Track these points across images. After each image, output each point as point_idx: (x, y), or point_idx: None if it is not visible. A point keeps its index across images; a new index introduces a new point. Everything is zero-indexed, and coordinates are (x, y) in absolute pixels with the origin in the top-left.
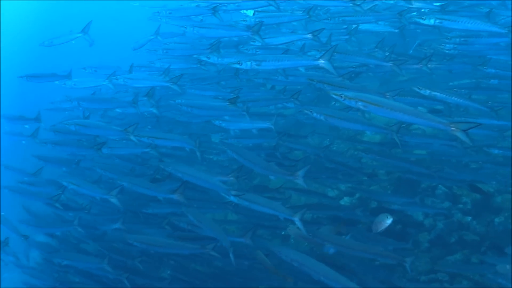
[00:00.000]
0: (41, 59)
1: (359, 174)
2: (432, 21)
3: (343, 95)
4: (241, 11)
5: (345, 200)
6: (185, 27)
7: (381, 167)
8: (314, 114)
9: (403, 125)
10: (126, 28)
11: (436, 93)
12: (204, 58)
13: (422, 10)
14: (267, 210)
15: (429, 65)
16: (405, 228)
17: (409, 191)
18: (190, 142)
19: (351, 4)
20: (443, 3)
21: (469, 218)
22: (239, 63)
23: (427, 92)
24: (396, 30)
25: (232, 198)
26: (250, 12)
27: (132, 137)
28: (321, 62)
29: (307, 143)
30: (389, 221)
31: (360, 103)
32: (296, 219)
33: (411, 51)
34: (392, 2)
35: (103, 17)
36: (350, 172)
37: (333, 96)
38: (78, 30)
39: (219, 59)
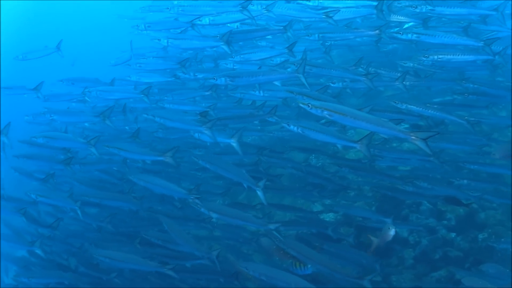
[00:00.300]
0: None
1: (342, 189)
2: (409, 36)
3: (310, 104)
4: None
5: (330, 216)
6: (158, 39)
7: (366, 183)
8: (291, 127)
9: (381, 141)
10: (112, 40)
11: (412, 107)
12: (181, 74)
13: (406, 25)
14: (238, 222)
15: (405, 82)
16: (390, 244)
17: (393, 207)
18: (155, 154)
19: (324, 16)
20: (424, 18)
21: (453, 234)
22: (214, 79)
23: (404, 106)
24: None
25: (203, 210)
26: None
27: (93, 149)
28: (295, 75)
29: (288, 159)
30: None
31: (325, 112)
32: (272, 228)
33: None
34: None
35: (91, 27)
36: (334, 187)
37: (301, 105)
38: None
39: (196, 74)
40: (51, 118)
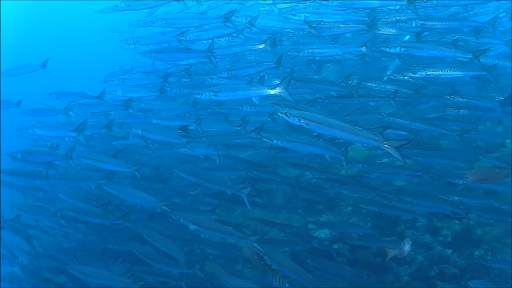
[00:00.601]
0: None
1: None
2: (397, 50)
3: (288, 113)
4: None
5: (325, 233)
6: (143, 53)
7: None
8: (275, 141)
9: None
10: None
11: (399, 120)
12: (168, 88)
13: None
14: (218, 234)
15: (396, 99)
16: (386, 260)
17: (389, 223)
18: (128, 166)
19: (307, 27)
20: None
21: (449, 251)
22: (199, 94)
23: (391, 119)
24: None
25: (182, 221)
26: None
27: (71, 162)
28: (279, 91)
29: (277, 174)
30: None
31: (303, 121)
32: (253, 240)
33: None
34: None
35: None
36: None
37: (280, 114)
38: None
39: (181, 89)
40: (33, 133)
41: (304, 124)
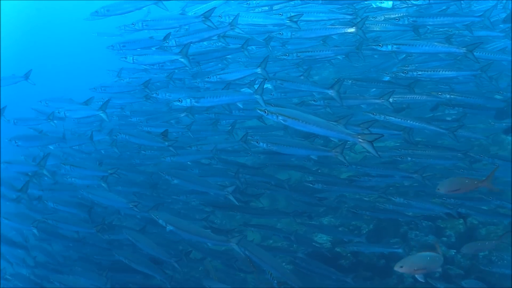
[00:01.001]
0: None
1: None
2: (389, 48)
3: (266, 110)
4: None
5: (323, 239)
6: (125, 57)
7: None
8: (261, 144)
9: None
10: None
11: (391, 117)
12: (154, 94)
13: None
14: (197, 238)
15: (390, 100)
16: (389, 262)
17: (392, 225)
18: (104, 170)
19: (288, 21)
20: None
21: (453, 252)
22: (179, 100)
23: (382, 117)
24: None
25: (160, 222)
26: None
27: (44, 171)
28: (256, 96)
29: (270, 176)
30: None
31: (280, 117)
32: (234, 245)
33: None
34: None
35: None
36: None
37: (258, 111)
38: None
39: (167, 94)
40: (16, 144)
41: (281, 121)
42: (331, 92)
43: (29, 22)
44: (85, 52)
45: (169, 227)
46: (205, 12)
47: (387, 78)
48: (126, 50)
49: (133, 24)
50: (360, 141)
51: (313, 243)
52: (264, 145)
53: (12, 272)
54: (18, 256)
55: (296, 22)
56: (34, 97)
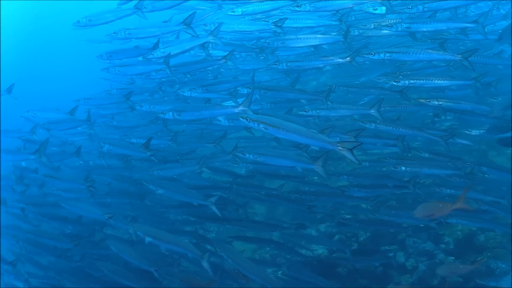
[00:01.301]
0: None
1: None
2: (382, 56)
3: (248, 118)
4: None
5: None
6: (107, 69)
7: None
8: (247, 155)
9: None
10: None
11: (382, 126)
12: (138, 107)
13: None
14: (174, 248)
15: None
16: (387, 270)
17: (389, 232)
18: (82, 183)
19: (273, 26)
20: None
21: (451, 258)
22: (162, 113)
23: (372, 125)
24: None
25: (139, 233)
26: None
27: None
28: (241, 109)
29: (260, 186)
30: None
31: (262, 125)
32: (204, 261)
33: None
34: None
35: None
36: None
37: (241, 119)
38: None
39: (151, 106)
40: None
41: (263, 128)
42: (319, 99)
43: (30, 24)
44: (85, 54)
45: (147, 239)
46: (185, 19)
47: (386, 85)
48: (113, 60)
49: (115, 33)
50: (340, 149)
51: (302, 254)
52: (250, 156)
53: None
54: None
55: (280, 26)
56: (34, 101)
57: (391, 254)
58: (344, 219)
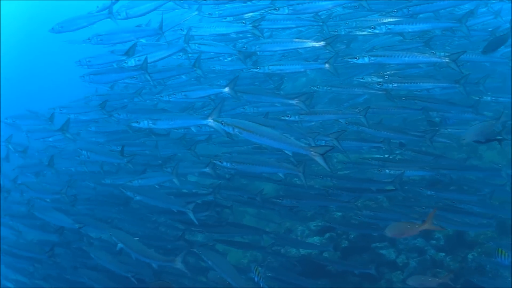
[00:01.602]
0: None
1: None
2: (366, 60)
3: (223, 122)
4: None
5: (315, 240)
6: (83, 77)
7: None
8: (224, 163)
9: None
10: None
11: (364, 128)
12: (116, 115)
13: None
14: (143, 258)
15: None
16: (378, 267)
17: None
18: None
19: (251, 27)
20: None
21: (442, 254)
22: (137, 122)
23: (355, 127)
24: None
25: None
26: None
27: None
28: (210, 121)
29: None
30: None
31: (236, 130)
32: (178, 263)
33: None
34: None
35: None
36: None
37: (216, 123)
38: None
39: (128, 114)
40: None
41: (237, 133)
42: (295, 103)
43: (30, 24)
44: (85, 53)
45: (119, 245)
46: (159, 25)
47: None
48: (92, 66)
49: (89, 39)
50: (312, 154)
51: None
52: (228, 164)
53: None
54: None
55: (257, 27)
56: (34, 100)
57: (382, 251)
58: (332, 219)
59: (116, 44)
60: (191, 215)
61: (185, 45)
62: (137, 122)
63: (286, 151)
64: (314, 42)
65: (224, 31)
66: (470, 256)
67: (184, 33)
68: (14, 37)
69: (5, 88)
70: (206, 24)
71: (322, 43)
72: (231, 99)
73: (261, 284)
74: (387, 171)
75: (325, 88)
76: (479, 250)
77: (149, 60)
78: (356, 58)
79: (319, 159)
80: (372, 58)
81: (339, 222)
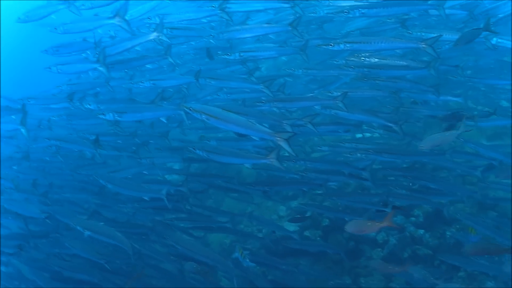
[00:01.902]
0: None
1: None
2: (341, 46)
3: (191, 108)
4: None
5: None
6: (49, 68)
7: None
8: (197, 151)
9: None
10: None
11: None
12: (87, 105)
13: None
14: (111, 241)
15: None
16: (358, 245)
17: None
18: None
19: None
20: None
21: (421, 231)
22: (103, 114)
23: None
24: None
25: (78, 228)
26: None
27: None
28: (179, 112)
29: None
30: None
31: (203, 116)
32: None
33: None
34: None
35: None
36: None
37: (184, 109)
38: None
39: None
40: None
41: (205, 119)
42: (261, 88)
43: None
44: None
45: (87, 233)
46: (118, 10)
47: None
48: (60, 55)
49: (55, 28)
50: (277, 139)
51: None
52: (201, 152)
53: None
54: None
55: (224, 10)
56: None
57: None
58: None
59: (84, 32)
60: (165, 201)
61: (157, 34)
62: (103, 114)
63: (253, 137)
64: (282, 26)
65: (193, 16)
66: (448, 232)
67: (151, 21)
68: (14, 37)
69: (5, 87)
70: (176, 10)
71: (288, 28)
72: (205, 86)
73: (245, 264)
74: (359, 154)
75: (301, 70)
76: (457, 226)
77: (114, 52)
78: (331, 45)
79: (284, 144)
80: (347, 45)
81: (312, 205)
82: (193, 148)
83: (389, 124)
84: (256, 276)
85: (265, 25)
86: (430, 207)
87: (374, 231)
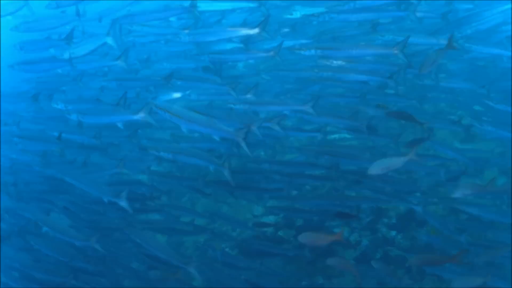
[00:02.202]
0: None
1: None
2: (312, 52)
3: (155, 105)
4: None
5: (270, 219)
6: (12, 66)
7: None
8: (161, 153)
9: None
10: None
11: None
12: (54, 105)
13: None
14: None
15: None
16: (331, 245)
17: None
18: None
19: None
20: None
21: (394, 233)
22: (68, 114)
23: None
24: None
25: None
26: None
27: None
28: (141, 115)
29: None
30: None
31: (167, 114)
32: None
33: None
34: None
35: None
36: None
37: (153, 108)
38: None
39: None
40: None
41: (168, 117)
42: (226, 90)
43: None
44: None
45: (44, 228)
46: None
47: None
48: (26, 52)
49: (16, 26)
50: (236, 138)
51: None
52: (165, 154)
53: None
54: None
55: (193, 10)
56: None
57: (335, 230)
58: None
59: (45, 30)
60: (125, 204)
61: (111, 39)
62: (68, 113)
63: (214, 136)
64: (249, 29)
65: (161, 16)
66: (419, 234)
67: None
68: (14, 38)
69: (5, 87)
70: (140, 9)
71: (256, 30)
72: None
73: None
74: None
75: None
76: (428, 228)
77: (77, 54)
78: (303, 50)
79: (241, 143)
80: (319, 51)
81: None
82: (157, 151)
83: (360, 126)
84: (228, 276)
85: (231, 28)
86: (403, 208)
87: (326, 243)
